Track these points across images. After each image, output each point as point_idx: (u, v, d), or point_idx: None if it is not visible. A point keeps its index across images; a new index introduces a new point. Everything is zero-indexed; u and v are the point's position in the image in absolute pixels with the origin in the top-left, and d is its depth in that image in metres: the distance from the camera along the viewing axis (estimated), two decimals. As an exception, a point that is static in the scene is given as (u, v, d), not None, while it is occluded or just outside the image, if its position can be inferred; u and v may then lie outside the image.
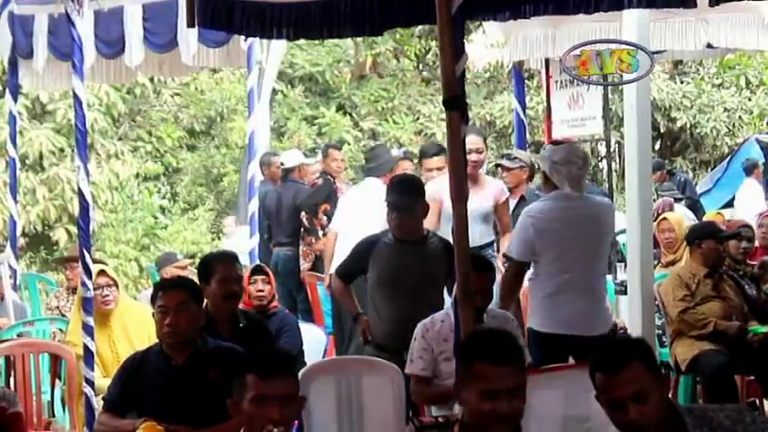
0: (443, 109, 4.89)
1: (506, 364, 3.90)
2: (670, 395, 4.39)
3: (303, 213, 11.26)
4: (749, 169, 16.26)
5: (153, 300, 5.72)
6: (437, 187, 7.67)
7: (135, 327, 7.48)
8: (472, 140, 8.04)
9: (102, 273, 7.66)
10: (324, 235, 10.83)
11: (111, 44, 8.71)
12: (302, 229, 11.32)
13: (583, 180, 7.08)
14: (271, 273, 7.80)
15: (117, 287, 7.71)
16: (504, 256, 7.68)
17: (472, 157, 7.98)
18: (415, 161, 10.57)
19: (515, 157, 9.44)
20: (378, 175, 10.26)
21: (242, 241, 12.66)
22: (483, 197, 8.19)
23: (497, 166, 9.89)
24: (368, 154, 11.48)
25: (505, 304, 6.86)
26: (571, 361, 6.61)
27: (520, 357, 4.00)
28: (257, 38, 8.33)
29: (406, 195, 7.02)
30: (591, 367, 3.99)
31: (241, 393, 4.08)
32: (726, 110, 21.22)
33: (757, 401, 7.98)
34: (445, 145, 5.25)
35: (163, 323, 5.56)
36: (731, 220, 10.91)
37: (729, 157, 18.90)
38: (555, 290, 6.86)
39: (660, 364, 5.38)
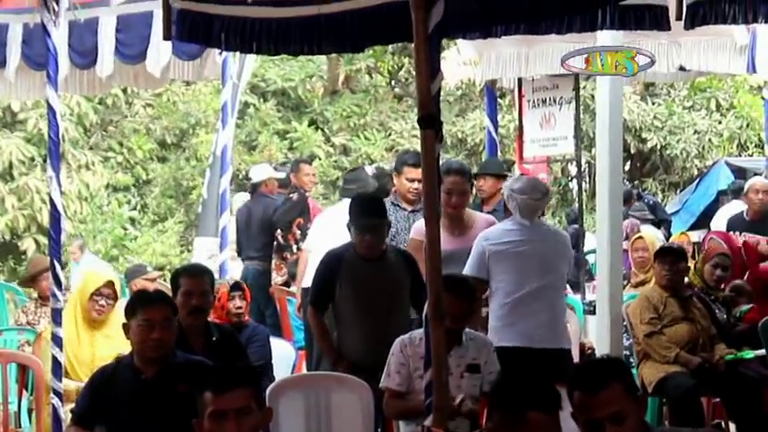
0: (415, 125, 4.91)
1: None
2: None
3: (279, 231, 11.22)
4: (737, 192, 16.02)
5: (127, 312, 5.65)
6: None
7: (118, 337, 7.38)
8: (455, 181, 7.44)
9: (109, 284, 7.50)
10: (298, 249, 10.80)
11: (85, 55, 8.66)
12: (275, 244, 11.29)
13: (536, 211, 7.15)
14: (247, 288, 7.83)
15: (115, 303, 7.57)
16: None
17: (452, 199, 7.42)
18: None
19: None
20: None
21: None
22: (469, 239, 7.34)
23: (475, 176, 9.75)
24: (347, 175, 11.22)
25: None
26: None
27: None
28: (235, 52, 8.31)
29: (376, 216, 7.02)
30: (569, 386, 4.01)
31: (202, 412, 4.12)
32: (696, 132, 21.29)
33: (723, 424, 8.02)
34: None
35: (148, 337, 5.48)
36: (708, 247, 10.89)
37: (698, 180, 18.98)
38: (514, 304, 6.92)
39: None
